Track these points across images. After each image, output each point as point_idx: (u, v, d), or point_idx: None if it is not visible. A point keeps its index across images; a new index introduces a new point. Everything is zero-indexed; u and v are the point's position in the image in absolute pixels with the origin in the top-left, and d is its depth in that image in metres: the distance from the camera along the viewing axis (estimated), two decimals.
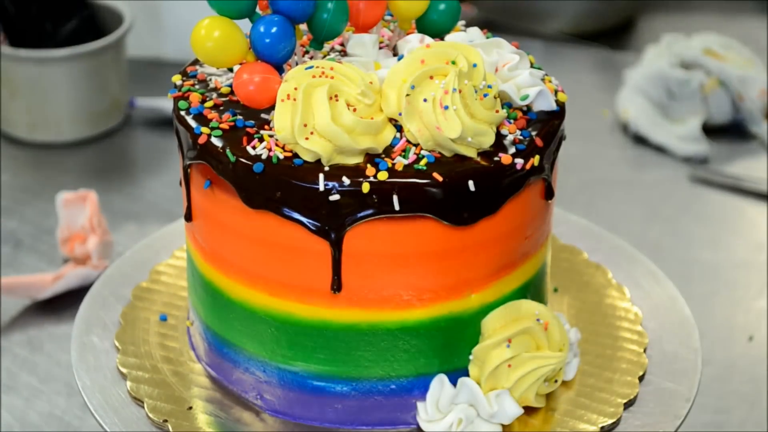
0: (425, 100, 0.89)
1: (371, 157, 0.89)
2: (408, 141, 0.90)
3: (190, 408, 0.97)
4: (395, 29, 1.01)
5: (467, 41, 0.97)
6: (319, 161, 0.88)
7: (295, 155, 0.89)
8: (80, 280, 1.33)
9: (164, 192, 1.55)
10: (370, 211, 0.88)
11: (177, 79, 0.98)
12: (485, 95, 0.90)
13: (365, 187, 0.87)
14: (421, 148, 0.90)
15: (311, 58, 0.98)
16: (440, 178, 0.88)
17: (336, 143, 0.88)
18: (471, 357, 0.94)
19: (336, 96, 0.89)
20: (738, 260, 1.45)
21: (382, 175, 0.87)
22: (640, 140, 1.67)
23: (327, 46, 1.01)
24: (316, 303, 0.92)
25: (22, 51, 1.58)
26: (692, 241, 1.48)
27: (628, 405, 0.98)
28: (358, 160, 0.89)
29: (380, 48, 0.99)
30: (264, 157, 0.89)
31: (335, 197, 0.88)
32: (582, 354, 1.02)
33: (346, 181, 0.87)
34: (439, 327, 0.93)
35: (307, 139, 0.88)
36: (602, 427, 0.96)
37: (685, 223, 1.51)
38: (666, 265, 1.18)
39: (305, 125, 0.88)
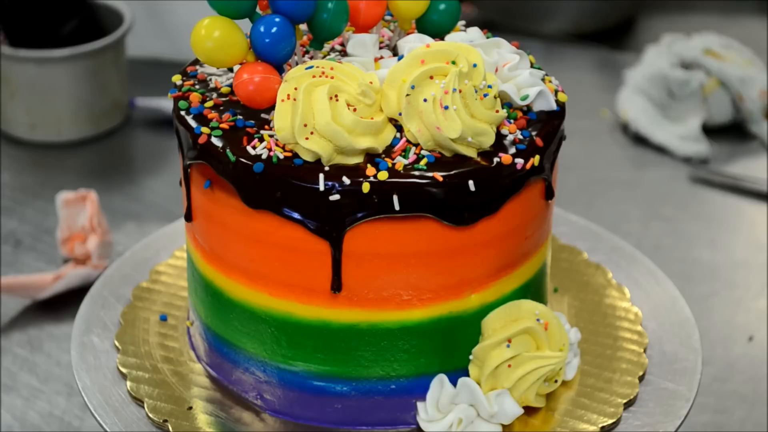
0: (425, 100, 0.89)
1: (371, 157, 0.89)
2: (408, 141, 0.90)
3: (190, 408, 0.97)
4: (395, 29, 1.01)
5: (467, 41, 0.97)
6: (319, 161, 0.88)
7: (295, 155, 0.89)
8: (80, 280, 1.33)
9: (164, 192, 1.55)
10: (370, 211, 0.88)
11: (177, 79, 0.98)
12: (485, 95, 0.90)
13: (365, 187, 0.87)
14: (421, 148, 0.90)
15: (311, 58, 0.98)
16: (440, 178, 0.88)
17: (336, 143, 0.88)
18: (471, 357, 0.94)
19: (336, 96, 0.89)
20: (738, 260, 1.45)
21: (382, 175, 0.87)
22: (640, 140, 1.67)
23: (327, 46, 1.01)
24: (316, 303, 0.92)
25: (22, 51, 1.58)
26: (692, 241, 1.48)
27: (628, 405, 0.98)
28: (358, 160, 0.89)
29: (380, 48, 0.99)
30: (264, 157, 0.89)
31: (335, 197, 0.88)
32: (582, 354, 1.02)
33: (346, 181, 0.87)
34: (439, 327, 0.93)
35: (307, 139, 0.88)
36: (602, 427, 0.96)
37: (685, 223, 1.51)
38: (666, 265, 1.18)
39: (305, 125, 0.88)
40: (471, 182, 0.88)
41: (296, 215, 0.89)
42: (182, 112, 0.94)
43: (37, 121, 1.63)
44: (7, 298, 1.33)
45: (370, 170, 0.88)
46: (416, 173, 0.88)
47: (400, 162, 0.88)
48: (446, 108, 0.88)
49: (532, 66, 0.98)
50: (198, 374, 1.01)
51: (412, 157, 0.89)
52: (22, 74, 1.59)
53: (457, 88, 0.89)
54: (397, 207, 0.88)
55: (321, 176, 0.88)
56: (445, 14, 1.00)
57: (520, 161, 0.90)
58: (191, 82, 0.97)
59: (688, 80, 1.65)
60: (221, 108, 0.94)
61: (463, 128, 0.88)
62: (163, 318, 1.06)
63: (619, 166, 1.64)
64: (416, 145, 0.90)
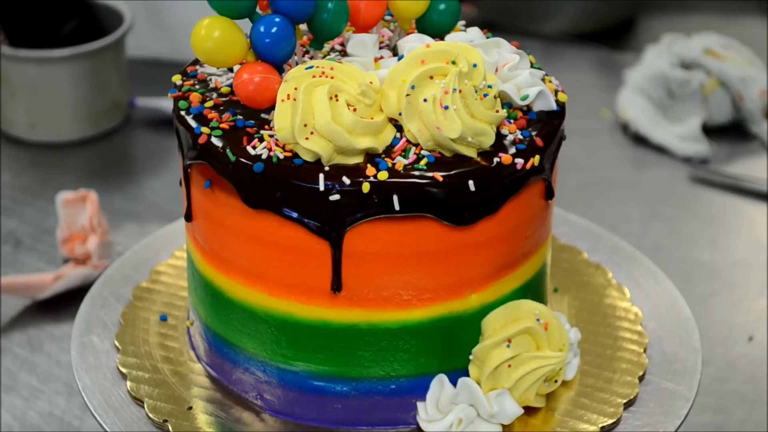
0: (425, 100, 0.89)
1: (371, 157, 0.89)
2: (408, 141, 0.90)
3: (190, 408, 0.97)
4: (395, 29, 1.01)
5: (467, 41, 0.97)
6: (319, 161, 0.88)
7: (295, 155, 0.89)
8: (80, 280, 1.33)
9: (164, 192, 1.55)
10: (370, 211, 0.88)
11: (177, 79, 0.98)
12: (485, 95, 0.90)
13: (365, 187, 0.87)
14: (421, 148, 0.90)
15: (311, 58, 0.98)
16: (440, 178, 0.88)
17: (336, 143, 0.88)
18: (471, 357, 0.94)
19: (336, 96, 0.89)
20: (738, 260, 1.45)
21: (382, 175, 0.87)
22: (640, 140, 1.67)
23: (327, 46, 1.01)
24: (316, 303, 0.92)
25: (22, 51, 1.58)
26: (692, 241, 1.48)
27: (628, 405, 0.98)
28: (358, 160, 0.89)
29: (380, 48, 0.99)
30: (264, 157, 0.89)
31: (335, 197, 0.88)
32: (582, 354, 1.02)
33: (346, 181, 0.87)
34: (439, 327, 0.93)
35: (307, 139, 0.88)
36: (602, 427, 0.96)
37: (685, 223, 1.51)
38: (666, 265, 1.18)
39: (305, 125, 0.88)
40: (471, 182, 0.88)
41: (296, 215, 0.89)
42: (182, 112, 0.94)
43: (37, 121, 1.63)
44: (7, 298, 1.33)
45: (370, 170, 0.88)
46: (416, 173, 0.88)
47: (400, 162, 0.88)
48: (446, 108, 0.88)
49: (532, 66, 0.98)
50: (198, 374, 1.01)
51: (412, 157, 0.89)
52: (22, 74, 1.59)
53: (457, 88, 0.89)
54: (397, 207, 0.88)
55: (321, 176, 0.88)
56: (445, 14, 1.00)
57: (520, 161, 0.90)
58: (191, 82, 0.97)
59: (688, 80, 1.65)
60: (221, 108, 0.94)
61: (463, 128, 0.88)
62: (163, 318, 1.06)
63: (619, 166, 1.64)
64: (416, 145, 0.90)
